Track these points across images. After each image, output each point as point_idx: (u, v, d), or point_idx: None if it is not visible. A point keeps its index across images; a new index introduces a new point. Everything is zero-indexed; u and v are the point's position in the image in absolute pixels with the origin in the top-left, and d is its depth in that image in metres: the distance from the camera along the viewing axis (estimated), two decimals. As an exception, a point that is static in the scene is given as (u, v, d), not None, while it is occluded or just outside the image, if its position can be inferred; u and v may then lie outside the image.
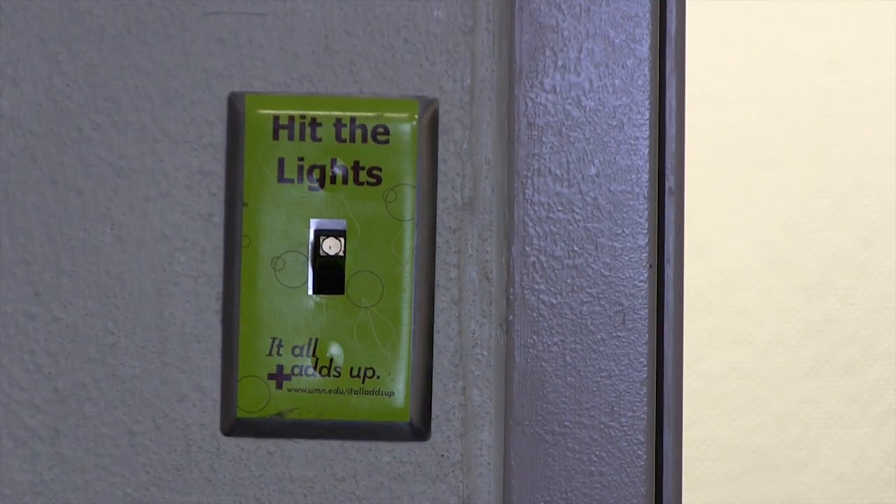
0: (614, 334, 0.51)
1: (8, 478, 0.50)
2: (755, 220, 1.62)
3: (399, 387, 0.50)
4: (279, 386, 0.50)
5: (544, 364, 0.51)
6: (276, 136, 0.50)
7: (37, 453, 0.50)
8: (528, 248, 0.50)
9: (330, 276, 0.50)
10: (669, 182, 0.51)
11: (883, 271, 1.61)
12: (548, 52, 0.50)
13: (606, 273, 0.51)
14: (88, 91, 0.50)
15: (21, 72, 0.50)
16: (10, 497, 0.50)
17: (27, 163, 0.50)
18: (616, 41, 0.51)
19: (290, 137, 0.50)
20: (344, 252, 0.50)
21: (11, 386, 0.50)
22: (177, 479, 0.50)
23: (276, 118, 0.50)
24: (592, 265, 0.51)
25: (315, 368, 0.50)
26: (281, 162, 0.50)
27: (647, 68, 0.51)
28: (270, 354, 0.50)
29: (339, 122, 0.50)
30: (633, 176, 0.50)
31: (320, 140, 0.50)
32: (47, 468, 0.50)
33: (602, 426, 0.50)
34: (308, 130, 0.50)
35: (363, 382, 0.50)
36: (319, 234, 0.50)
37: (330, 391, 0.50)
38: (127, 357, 0.50)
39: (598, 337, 0.51)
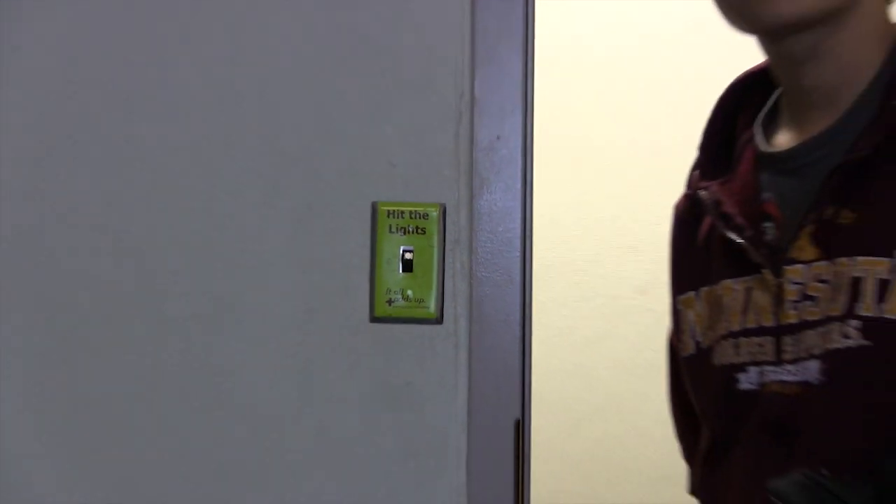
0: (507, 290, 1.40)
1: (269, 341, 1.39)
2: (567, 257, 2.99)
3: (432, 305, 1.39)
4: (389, 304, 1.39)
5: (484, 298, 1.40)
6: (388, 217, 1.39)
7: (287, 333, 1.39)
8: (480, 260, 1.40)
9: (407, 266, 1.39)
10: (528, 246, 1.41)
11: (644, 260, 2.92)
12: (484, 187, 1.40)
13: (506, 272, 1.41)
14: (320, 195, 1.40)
15: (264, 178, 1.40)
16: (271, 354, 1.39)
17: (278, 237, 1.40)
18: (513, 188, 1.41)
19: (394, 218, 1.39)
20: (413, 258, 1.40)
21: (282, 302, 1.40)
22: (345, 343, 1.39)
23: (388, 211, 1.39)
24: (502, 265, 1.41)
25: (402, 299, 1.39)
26: (389, 227, 1.39)
27: (519, 197, 1.41)
28: (387, 294, 1.39)
29: (411, 212, 1.39)
30: (516, 243, 1.40)
31: (404, 218, 1.39)
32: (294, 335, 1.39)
33: (504, 319, 1.40)
34: (400, 215, 1.39)
35: (419, 304, 1.39)
36: (404, 251, 1.39)
37: (407, 306, 1.39)
38: (331, 294, 1.39)
39: (504, 290, 1.40)
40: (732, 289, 1.40)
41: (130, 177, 1.41)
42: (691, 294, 1.45)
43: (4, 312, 1.40)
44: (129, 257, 1.41)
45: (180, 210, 1.40)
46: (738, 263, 1.38)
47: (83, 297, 1.41)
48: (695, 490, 1.51)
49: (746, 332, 1.37)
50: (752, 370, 1.36)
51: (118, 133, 1.41)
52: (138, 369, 1.40)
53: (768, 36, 1.37)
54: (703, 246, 1.45)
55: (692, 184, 1.49)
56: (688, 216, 1.49)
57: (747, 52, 1.45)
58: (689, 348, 1.44)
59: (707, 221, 1.45)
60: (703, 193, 1.43)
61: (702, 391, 1.45)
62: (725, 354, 1.39)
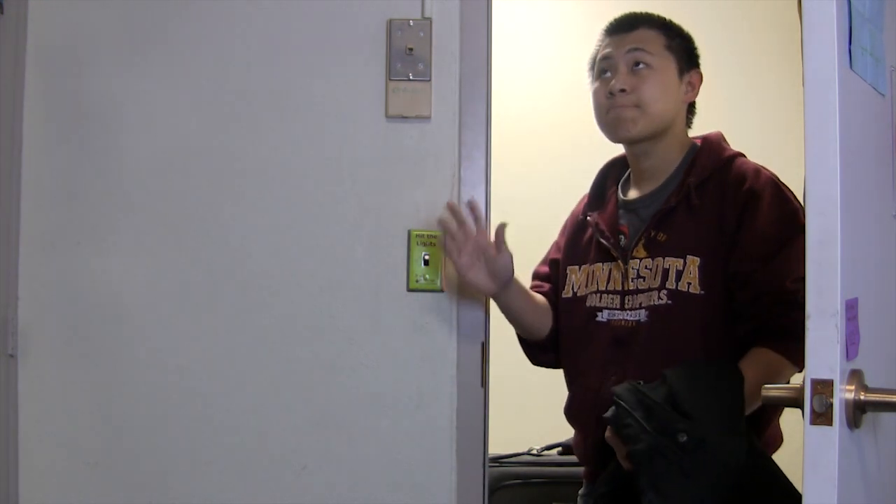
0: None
1: (359, 299, 2.54)
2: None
3: (438, 283, 2.65)
4: (417, 282, 2.57)
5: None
6: (417, 237, 2.59)
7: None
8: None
9: (426, 262, 2.63)
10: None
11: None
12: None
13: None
14: (385, 226, 2.54)
15: (359, 216, 2.55)
16: (361, 306, 2.54)
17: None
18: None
19: (420, 238, 2.59)
20: (429, 259, 2.58)
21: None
22: (396, 302, 2.59)
23: (417, 234, 2.57)
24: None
25: (423, 279, 2.61)
26: (417, 242, 2.57)
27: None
28: (416, 277, 2.58)
29: (428, 235, 2.60)
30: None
31: (424, 238, 2.60)
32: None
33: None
34: (423, 236, 2.59)
35: (432, 282, 2.65)
36: (424, 255, 2.60)
37: (426, 283, 2.59)
38: (390, 276, 2.55)
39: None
40: (601, 268, 2.64)
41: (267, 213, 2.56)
42: (576, 267, 2.76)
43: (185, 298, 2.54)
44: (281, 263, 2.58)
45: (308, 231, 2.57)
46: (606, 255, 2.63)
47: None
48: (540, 363, 2.86)
49: (607, 291, 2.59)
50: (605, 311, 2.57)
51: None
52: (279, 320, 2.64)
53: (623, 143, 2.58)
54: (587, 243, 2.69)
55: (583, 210, 2.75)
56: (581, 225, 2.78)
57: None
58: (568, 293, 2.73)
59: (589, 232, 2.69)
60: (589, 217, 2.67)
61: (570, 316, 2.70)
62: (592, 301, 2.61)
